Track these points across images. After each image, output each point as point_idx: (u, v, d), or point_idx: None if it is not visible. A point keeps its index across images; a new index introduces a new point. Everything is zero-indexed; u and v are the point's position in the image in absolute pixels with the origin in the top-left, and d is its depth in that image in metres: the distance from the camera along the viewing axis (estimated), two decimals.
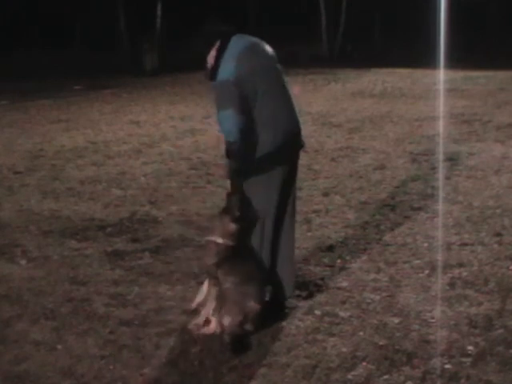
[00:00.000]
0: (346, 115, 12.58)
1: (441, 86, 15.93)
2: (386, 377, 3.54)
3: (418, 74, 19.74)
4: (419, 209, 6.51)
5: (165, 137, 10.86)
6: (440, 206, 6.49)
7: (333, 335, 4.00)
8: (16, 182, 8.08)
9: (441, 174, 7.76)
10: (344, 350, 3.82)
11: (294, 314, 4.27)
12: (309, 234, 5.87)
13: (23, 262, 5.35)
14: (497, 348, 3.79)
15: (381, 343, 3.88)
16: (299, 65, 21.94)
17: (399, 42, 29.10)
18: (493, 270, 4.92)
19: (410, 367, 3.62)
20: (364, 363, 3.67)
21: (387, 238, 5.73)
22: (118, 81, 20.40)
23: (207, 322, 4.07)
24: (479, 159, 8.54)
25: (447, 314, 4.24)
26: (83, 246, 5.71)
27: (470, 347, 3.81)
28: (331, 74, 20.91)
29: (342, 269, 5.04)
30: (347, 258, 5.28)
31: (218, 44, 4.10)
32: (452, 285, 4.68)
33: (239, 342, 3.87)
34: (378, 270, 4.99)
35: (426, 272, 4.94)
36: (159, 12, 27.35)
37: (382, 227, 6.02)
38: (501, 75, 18.79)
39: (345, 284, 4.75)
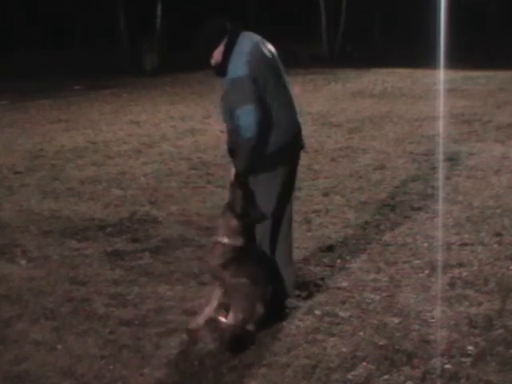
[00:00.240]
0: (346, 115, 12.57)
1: (441, 86, 15.90)
2: (385, 377, 3.55)
3: (418, 74, 19.72)
4: (419, 209, 6.51)
5: (165, 137, 10.86)
6: (440, 206, 6.49)
7: (333, 335, 4.00)
8: (16, 182, 8.07)
9: (441, 174, 7.76)
10: (344, 349, 3.82)
11: (294, 314, 4.27)
12: (309, 233, 5.87)
13: (23, 262, 5.35)
14: (497, 348, 3.79)
15: (381, 343, 3.88)
16: (299, 65, 21.90)
17: (399, 42, 29.07)
18: (493, 270, 4.92)
19: (410, 367, 3.62)
20: (364, 363, 3.67)
21: (387, 238, 5.73)
22: (118, 81, 20.39)
23: (210, 321, 4.07)
24: (479, 159, 8.54)
25: (447, 314, 4.23)
26: (83, 246, 5.71)
27: (470, 347, 3.81)
28: (331, 74, 20.89)
29: (342, 269, 5.04)
30: (347, 258, 5.28)
31: (225, 40, 4.07)
32: (452, 285, 4.68)
33: (238, 342, 3.87)
34: (378, 270, 4.99)
35: (426, 272, 4.94)
36: (159, 12, 27.33)
37: (382, 227, 6.02)
38: (501, 75, 18.78)
39: (345, 284, 4.75)
